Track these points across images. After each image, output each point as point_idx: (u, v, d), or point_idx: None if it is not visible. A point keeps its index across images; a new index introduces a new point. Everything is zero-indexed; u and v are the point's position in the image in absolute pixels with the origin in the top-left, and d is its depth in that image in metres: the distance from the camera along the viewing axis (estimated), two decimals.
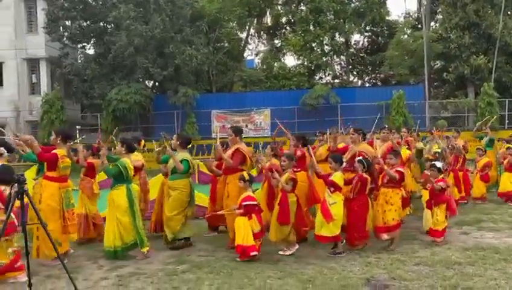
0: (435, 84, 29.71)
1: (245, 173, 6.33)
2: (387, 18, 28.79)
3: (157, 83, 25.24)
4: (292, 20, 29.00)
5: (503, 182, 10.00)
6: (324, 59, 27.79)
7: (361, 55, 31.29)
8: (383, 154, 7.23)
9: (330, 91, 23.62)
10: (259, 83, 27.20)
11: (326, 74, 30.73)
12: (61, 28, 23.03)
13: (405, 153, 8.49)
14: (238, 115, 23.83)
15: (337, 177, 6.23)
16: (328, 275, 5.37)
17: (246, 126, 23.60)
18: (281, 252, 6.23)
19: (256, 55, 34.36)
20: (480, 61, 23.19)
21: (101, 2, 23.11)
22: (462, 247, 6.44)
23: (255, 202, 6.14)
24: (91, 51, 25.00)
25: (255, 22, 31.40)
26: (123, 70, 22.77)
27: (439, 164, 6.84)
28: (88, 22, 23.31)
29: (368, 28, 28.98)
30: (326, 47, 28.00)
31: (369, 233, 6.39)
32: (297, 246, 6.34)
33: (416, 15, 30.62)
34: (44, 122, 22.01)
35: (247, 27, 30.79)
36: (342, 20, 26.85)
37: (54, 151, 6.16)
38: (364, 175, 6.30)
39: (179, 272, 5.61)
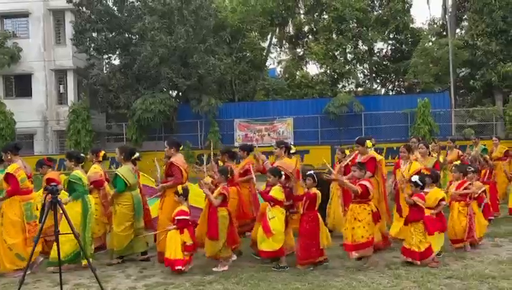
0: (461, 92, 29.16)
1: (179, 187, 6.23)
2: (411, 25, 28.43)
3: (180, 93, 25.49)
4: (314, 29, 28.95)
5: (511, 196, 9.39)
6: (347, 67, 27.64)
7: (384, 63, 30.96)
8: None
9: (354, 99, 23.43)
10: (281, 91, 27.20)
11: (349, 82, 30.51)
12: (88, 39, 23.54)
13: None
14: (260, 123, 23.84)
15: (276, 191, 6.12)
16: (357, 288, 5.29)
17: (269, 135, 23.61)
18: (214, 269, 6.08)
19: (279, 64, 34.44)
20: (509, 69, 22.66)
21: (126, 14, 23.55)
22: (495, 260, 6.27)
23: (188, 217, 6.09)
24: (116, 62, 25.45)
25: (277, 31, 31.48)
26: (148, 80, 23.10)
27: (415, 178, 6.35)
28: (113, 34, 23.75)
29: (391, 36, 28.69)
30: (349, 55, 27.86)
31: (323, 251, 6.11)
32: (234, 256, 6.27)
33: (441, 22, 30.17)
34: (71, 132, 22.47)
35: (269, 36, 30.90)
36: (365, 28, 26.67)
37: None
38: (313, 191, 6.10)
39: (206, 283, 5.62)
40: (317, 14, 28.59)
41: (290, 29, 32.14)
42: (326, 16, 27.55)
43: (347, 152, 8.73)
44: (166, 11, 22.78)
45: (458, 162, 8.01)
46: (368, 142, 7.13)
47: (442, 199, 6.49)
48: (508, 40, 23.30)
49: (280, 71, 33.50)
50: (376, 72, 31.52)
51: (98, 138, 25.07)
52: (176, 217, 6.07)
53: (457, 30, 28.81)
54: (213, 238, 6.04)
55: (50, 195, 4.43)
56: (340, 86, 28.97)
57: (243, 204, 6.99)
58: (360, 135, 19.67)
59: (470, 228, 6.73)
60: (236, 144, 20.59)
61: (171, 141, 6.97)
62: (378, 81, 32.77)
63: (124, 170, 6.69)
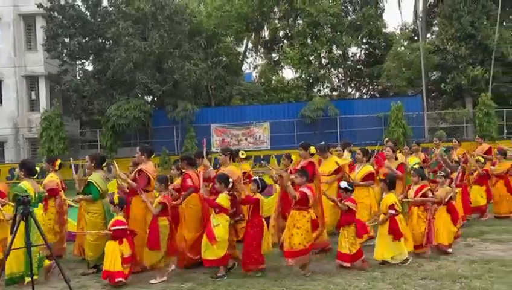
0: (433, 95, 29.87)
1: (115, 197, 6.09)
2: (383, 30, 28.99)
3: (156, 98, 25.30)
4: (289, 34, 29.21)
5: (474, 197, 9.42)
6: (322, 72, 27.94)
7: (358, 67, 31.46)
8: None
9: (329, 103, 23.71)
10: (257, 96, 27.29)
11: (325, 87, 30.87)
12: (60, 45, 23.13)
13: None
14: (237, 128, 23.85)
15: (222, 198, 6.05)
16: None
17: (246, 140, 23.65)
18: (151, 281, 5.91)
19: (255, 68, 34.60)
20: (477, 72, 23.36)
21: (99, 19, 23.26)
22: (468, 259, 6.42)
23: (125, 226, 5.91)
24: (90, 67, 25.11)
25: (253, 36, 31.63)
26: (122, 86, 22.84)
27: (344, 184, 6.37)
28: (87, 39, 23.42)
29: (364, 41, 29.18)
30: (323, 60, 28.17)
31: (264, 257, 6.08)
32: (172, 266, 6.15)
33: (412, 27, 30.90)
34: (43, 139, 21.97)
35: (244, 41, 31.01)
36: (338, 33, 27.03)
37: None
38: (256, 196, 6.10)
39: None
40: (291, 19, 28.85)
41: (266, 34, 32.37)
42: (300, 21, 27.83)
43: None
44: (140, 17, 22.62)
45: (417, 166, 7.86)
46: (312, 148, 7.19)
47: (392, 206, 6.28)
48: (476, 45, 24.00)
49: (256, 76, 33.64)
50: (350, 76, 31.99)
51: (71, 145, 24.60)
52: (112, 228, 5.85)
53: (428, 35, 29.53)
54: (154, 248, 5.88)
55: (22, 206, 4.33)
56: (315, 90, 29.26)
57: (205, 212, 6.67)
58: (336, 139, 20.06)
59: (428, 234, 6.63)
60: (213, 149, 20.54)
61: (143, 148, 6.85)
62: (352, 85, 33.27)
63: (96, 178, 6.56)
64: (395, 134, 21.18)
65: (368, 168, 7.49)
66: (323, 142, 7.99)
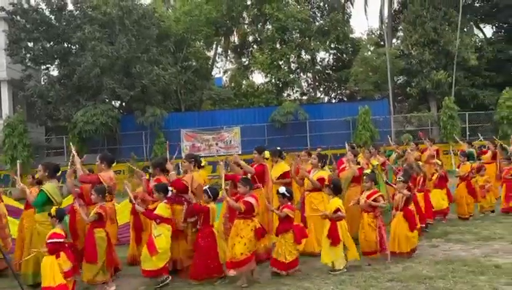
0: (399, 98, 30.60)
1: (53, 209, 5.74)
2: (350, 36, 29.55)
3: (124, 104, 24.93)
4: (259, 39, 29.37)
5: (436, 200, 9.29)
6: (291, 76, 28.20)
7: (327, 72, 31.92)
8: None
9: (298, 108, 23.95)
10: (228, 101, 27.29)
11: (294, 91, 31.17)
12: (23, 49, 22.51)
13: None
14: (207, 133, 23.76)
15: (161, 208, 5.95)
16: None
17: (217, 144, 23.57)
18: None
19: (225, 73, 34.58)
20: (441, 76, 24.09)
21: (64, 23, 22.77)
22: (432, 260, 6.58)
23: (62, 239, 5.56)
24: (55, 73, 24.51)
25: (222, 40, 31.63)
26: (89, 91, 22.41)
27: (282, 189, 6.22)
28: (51, 43, 22.88)
29: (332, 46, 29.63)
30: (293, 64, 28.45)
31: (222, 266, 6.03)
32: (113, 288, 5.92)
33: (378, 32, 31.60)
34: (6, 147, 21.26)
35: (214, 46, 30.97)
36: (307, 39, 27.41)
37: None
38: (208, 205, 6.01)
39: None
40: (260, 24, 29.02)
41: (235, 39, 32.41)
42: (269, 26, 28.03)
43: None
44: (107, 21, 22.28)
45: (369, 171, 7.71)
46: (266, 153, 7.24)
47: (336, 210, 6.25)
48: (439, 50, 24.75)
49: (226, 80, 33.65)
50: (319, 80, 32.41)
51: (36, 153, 23.90)
52: (48, 241, 5.49)
53: (394, 40, 30.26)
54: (90, 261, 5.73)
55: None
56: (285, 94, 29.50)
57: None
58: (305, 143, 20.25)
59: (380, 240, 6.53)
60: (183, 155, 20.37)
61: (104, 156, 6.76)
62: (321, 89, 33.70)
63: (49, 187, 6.24)
64: (363, 137, 21.59)
65: (322, 173, 7.39)
66: (278, 147, 7.94)
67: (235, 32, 31.19)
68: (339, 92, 33.75)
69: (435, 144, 12.12)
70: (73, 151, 6.70)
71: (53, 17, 23.00)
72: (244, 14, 29.45)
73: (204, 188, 6.19)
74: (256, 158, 7.18)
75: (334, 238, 6.11)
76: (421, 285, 5.54)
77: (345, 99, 32.28)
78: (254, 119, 24.14)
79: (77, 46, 22.57)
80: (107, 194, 6.32)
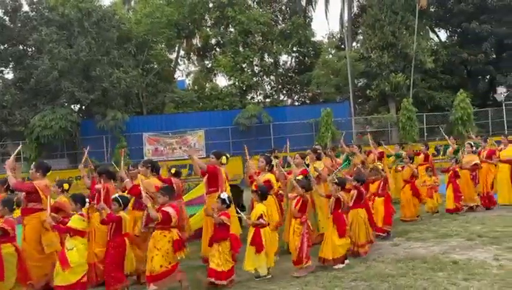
0: (359, 101, 31.28)
1: None
2: (312, 39, 29.93)
3: (84, 107, 24.30)
4: (221, 42, 29.31)
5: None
6: (255, 79, 28.31)
7: (289, 74, 32.21)
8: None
9: (262, 110, 24.07)
10: (191, 104, 27.06)
11: (258, 94, 31.28)
12: None
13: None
14: (171, 137, 23.47)
15: (75, 220, 5.70)
16: None
17: (180, 148, 23.31)
18: None
19: (187, 76, 34.30)
20: (399, 79, 24.81)
21: (19, 25, 21.99)
22: (394, 259, 6.78)
23: None
24: (10, 76, 23.61)
25: (185, 43, 31.35)
26: (46, 95, 21.71)
27: (224, 195, 6.12)
28: (6, 46, 22.05)
29: (294, 49, 29.93)
30: (256, 67, 28.57)
31: (124, 277, 5.92)
32: None
33: (339, 36, 32.22)
34: None
35: (176, 48, 30.66)
36: (269, 42, 27.60)
37: None
38: (118, 214, 5.86)
39: None
40: (223, 27, 28.98)
41: (198, 41, 32.20)
42: (232, 29, 28.05)
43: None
44: (65, 23, 21.68)
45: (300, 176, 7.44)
46: (223, 158, 7.23)
47: (260, 216, 6.16)
48: (397, 53, 25.49)
49: (189, 83, 33.36)
50: (282, 83, 32.67)
51: None
52: None
53: (354, 43, 30.94)
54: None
55: None
56: (249, 97, 29.57)
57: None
58: (269, 145, 20.38)
59: (300, 248, 6.31)
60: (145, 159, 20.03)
61: (40, 164, 6.57)
62: (284, 92, 33.96)
63: None
64: (325, 139, 21.93)
65: (269, 176, 7.41)
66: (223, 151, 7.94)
67: (197, 35, 30.99)
68: (301, 94, 34.13)
69: (380, 146, 12.10)
70: (12, 157, 6.44)
71: (7, 18, 22.17)
72: (207, 17, 29.32)
73: (114, 196, 5.98)
74: (213, 162, 7.13)
75: (257, 245, 6.01)
76: (384, 283, 5.70)
77: (308, 101, 32.69)
78: (218, 122, 24.05)
79: (33, 48, 21.83)
80: (15, 207, 6.05)
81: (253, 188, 6.56)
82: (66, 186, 6.79)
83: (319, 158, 8.23)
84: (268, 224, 6.31)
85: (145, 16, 25.18)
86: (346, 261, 6.57)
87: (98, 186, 6.71)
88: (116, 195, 6.04)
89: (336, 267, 6.38)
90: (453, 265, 6.22)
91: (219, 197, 6.12)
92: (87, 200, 6.02)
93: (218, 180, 6.89)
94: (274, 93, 32.62)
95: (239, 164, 19.08)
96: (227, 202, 6.07)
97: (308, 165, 7.88)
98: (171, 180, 7.76)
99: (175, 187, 7.83)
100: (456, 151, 12.32)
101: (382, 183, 8.42)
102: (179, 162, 18.81)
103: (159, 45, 27.52)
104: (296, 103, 33.68)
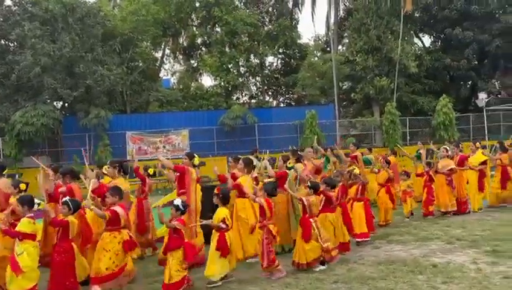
0: (344, 103, 31.49)
1: None
2: (298, 41, 30.04)
3: (66, 104, 23.97)
4: (208, 42, 29.23)
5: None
6: (240, 80, 28.27)
7: (275, 76, 32.26)
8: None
9: (247, 111, 24.05)
10: (176, 103, 26.90)
11: (243, 94, 31.28)
12: None
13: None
14: (154, 136, 23.28)
15: (24, 224, 5.40)
16: None
17: (164, 147, 23.16)
18: None
19: (173, 75, 34.11)
20: (383, 83, 25.04)
21: (1, 19, 21.59)
22: (375, 261, 6.83)
23: None
24: None
25: (171, 42, 31.18)
26: (28, 91, 21.34)
27: (177, 201, 5.85)
28: None
29: (281, 51, 30.02)
30: (242, 68, 28.52)
31: (77, 284, 5.69)
32: None
33: (325, 39, 32.39)
34: None
35: (162, 47, 30.46)
36: (256, 43, 27.60)
37: None
38: (66, 219, 5.60)
39: None
40: (209, 27, 28.90)
41: (184, 40, 32.06)
42: (218, 29, 27.98)
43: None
44: (49, 18, 21.38)
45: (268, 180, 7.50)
46: (196, 159, 7.16)
47: (223, 220, 6.04)
48: (382, 57, 25.73)
49: (174, 82, 33.18)
50: (268, 85, 32.70)
51: None
52: None
53: (340, 47, 31.12)
54: None
55: None
56: (234, 98, 29.53)
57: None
58: (254, 146, 20.37)
59: (262, 253, 6.22)
60: (128, 158, 19.86)
61: None
62: (270, 93, 34.01)
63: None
64: (309, 141, 21.96)
65: (241, 179, 7.35)
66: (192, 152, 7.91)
67: (183, 34, 30.86)
68: (287, 96, 34.22)
69: (358, 149, 11.97)
70: None
71: None
72: (193, 16, 29.20)
73: (64, 199, 5.78)
74: (185, 163, 7.06)
75: (223, 249, 5.91)
76: (364, 286, 5.73)
77: (293, 103, 32.79)
78: (203, 122, 23.96)
79: (16, 43, 21.46)
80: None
81: (216, 191, 6.42)
82: (22, 186, 6.52)
83: (298, 160, 8.16)
84: (231, 228, 6.17)
85: (130, 14, 24.94)
86: (322, 267, 6.54)
87: (62, 189, 6.56)
88: (67, 198, 5.79)
89: (317, 269, 6.37)
90: (433, 268, 6.29)
91: (172, 203, 5.87)
92: (36, 201, 5.70)
93: (186, 181, 6.77)
94: (259, 94, 32.63)
95: (223, 165, 19.04)
96: (181, 208, 5.78)
97: (290, 168, 7.83)
98: (145, 179, 7.69)
99: (146, 188, 7.79)
100: (418, 157, 12.53)
101: (360, 187, 8.30)
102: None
103: (144, 43, 27.34)
104: (282, 105, 33.76)
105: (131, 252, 5.70)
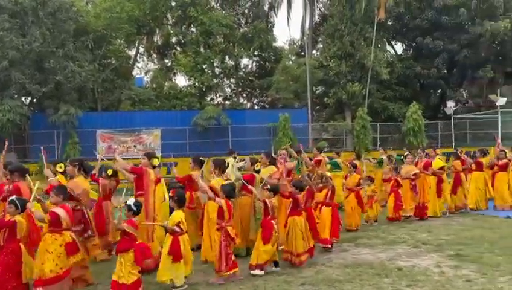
0: (317, 108, 31.83)
1: None
2: (273, 44, 30.20)
3: (35, 100, 23.34)
4: (183, 41, 29.02)
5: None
6: (215, 81, 28.20)
7: (250, 78, 32.31)
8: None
9: (221, 112, 23.99)
10: (149, 102, 26.57)
11: (217, 96, 31.20)
12: None
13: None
14: (125, 135, 22.91)
15: None
16: None
17: (135, 147, 22.83)
18: None
19: (146, 73, 33.67)
20: (356, 88, 25.44)
21: None
22: (342, 264, 6.92)
23: None
24: None
25: (145, 40, 30.80)
26: None
27: (130, 201, 5.63)
28: None
29: (256, 53, 30.10)
30: (216, 69, 28.44)
31: (25, 285, 5.52)
32: None
33: (299, 43, 32.66)
34: None
35: (136, 45, 30.05)
36: (231, 44, 27.59)
37: None
38: (14, 219, 5.38)
39: None
40: (185, 26, 28.71)
41: (158, 39, 31.72)
42: (194, 29, 27.83)
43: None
44: (18, 11, 20.78)
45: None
46: (155, 160, 7.04)
47: (177, 224, 5.86)
48: (354, 63, 26.14)
49: (147, 81, 32.77)
50: (242, 86, 32.74)
51: None
52: None
53: (314, 51, 31.43)
54: None
55: None
56: (208, 98, 29.41)
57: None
58: (227, 148, 20.33)
59: (220, 256, 6.09)
60: (97, 157, 19.47)
61: None
62: (244, 95, 34.06)
63: None
64: (282, 144, 22.05)
65: (212, 182, 7.20)
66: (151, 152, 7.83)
67: (158, 33, 30.54)
68: (261, 99, 34.33)
69: (322, 153, 11.87)
70: None
71: None
72: (168, 15, 28.95)
73: (11, 198, 5.54)
74: (144, 163, 6.93)
75: (175, 254, 5.76)
76: (331, 288, 5.80)
77: (267, 106, 32.93)
78: (175, 122, 23.76)
79: None
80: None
81: (171, 193, 6.27)
82: None
83: (272, 163, 8.14)
84: (186, 232, 6.03)
85: (104, 10, 24.55)
86: (275, 268, 6.53)
87: (7, 187, 6.35)
88: (13, 197, 5.55)
89: (254, 272, 6.26)
90: (398, 272, 6.42)
91: (125, 203, 5.62)
92: None
93: (144, 183, 6.62)
94: (234, 96, 32.64)
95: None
96: (134, 208, 5.54)
97: (258, 171, 7.78)
98: (99, 180, 7.52)
99: (101, 189, 7.58)
100: (379, 162, 12.80)
101: (330, 192, 8.16)
102: (132, 161, 18.40)
103: (118, 41, 26.93)
104: (256, 107, 33.86)
105: (73, 256, 5.52)
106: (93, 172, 7.62)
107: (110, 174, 7.56)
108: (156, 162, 7.02)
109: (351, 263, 6.94)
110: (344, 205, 10.07)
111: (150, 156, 7.06)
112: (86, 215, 6.78)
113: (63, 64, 20.82)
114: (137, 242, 5.47)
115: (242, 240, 7.20)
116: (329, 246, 7.81)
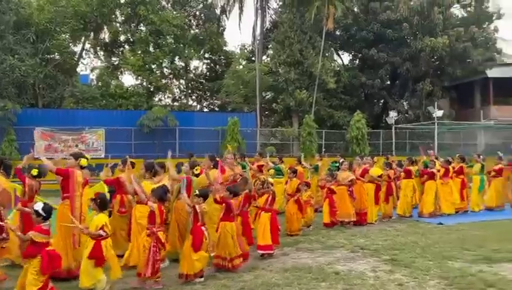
0: (266, 113, 32.20)
1: None
2: (224, 48, 30.28)
3: None
4: (131, 40, 28.41)
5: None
6: (164, 81, 27.83)
7: (200, 80, 32.19)
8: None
9: (169, 114, 23.66)
10: (93, 100, 25.74)
11: (166, 97, 30.80)
12: None
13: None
14: (67, 133, 22.01)
15: None
16: None
17: (77, 146, 21.99)
18: None
19: (92, 71, 32.61)
20: (303, 96, 25.98)
21: None
22: (282, 268, 7.00)
23: None
24: None
25: (91, 36, 29.83)
26: None
27: (38, 206, 5.20)
28: None
29: (206, 56, 30.09)
30: (166, 70, 28.09)
31: None
32: None
33: (250, 48, 32.92)
34: None
35: (82, 41, 29.06)
36: (181, 45, 27.33)
37: None
38: None
39: None
40: (134, 25, 28.12)
41: (106, 36, 30.84)
42: (143, 28, 27.32)
43: None
44: None
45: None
46: (83, 161, 6.71)
47: (101, 227, 5.65)
48: (303, 71, 26.70)
49: (93, 79, 31.74)
50: (192, 88, 32.53)
51: None
52: None
53: (264, 57, 31.80)
54: None
55: None
56: (156, 99, 28.95)
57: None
58: (174, 149, 20.07)
59: (147, 262, 5.83)
60: (36, 156, 18.58)
61: None
62: (193, 97, 33.87)
63: None
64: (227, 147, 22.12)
65: (148, 185, 7.09)
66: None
67: (105, 29, 29.68)
68: (210, 101, 34.28)
69: (267, 157, 12.23)
70: None
71: None
72: (117, 12, 28.24)
73: None
74: (71, 164, 6.64)
75: (98, 258, 5.55)
76: None
77: (216, 109, 32.89)
78: (121, 122, 23.12)
79: None
80: None
81: (93, 196, 6.06)
82: None
83: (215, 166, 8.06)
84: (109, 236, 5.80)
85: (48, 3, 23.57)
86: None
87: None
88: None
89: (197, 280, 6.17)
90: (335, 276, 6.59)
91: (32, 208, 5.24)
92: None
93: (70, 185, 6.38)
94: (183, 97, 32.34)
95: (140, 166, 18.48)
96: (42, 213, 5.12)
97: (197, 175, 7.71)
98: (25, 179, 7.18)
99: (27, 189, 7.21)
100: (315, 168, 13.23)
101: (270, 198, 8.00)
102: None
103: (63, 35, 25.87)
104: (205, 110, 33.71)
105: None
106: (19, 166, 7.25)
107: (34, 174, 7.17)
108: (84, 162, 6.66)
109: (291, 267, 7.05)
110: (285, 210, 10.17)
111: (77, 156, 6.71)
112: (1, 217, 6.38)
113: (1, 57, 19.79)
114: (48, 248, 5.05)
115: (180, 244, 7.06)
116: (272, 252, 7.77)
